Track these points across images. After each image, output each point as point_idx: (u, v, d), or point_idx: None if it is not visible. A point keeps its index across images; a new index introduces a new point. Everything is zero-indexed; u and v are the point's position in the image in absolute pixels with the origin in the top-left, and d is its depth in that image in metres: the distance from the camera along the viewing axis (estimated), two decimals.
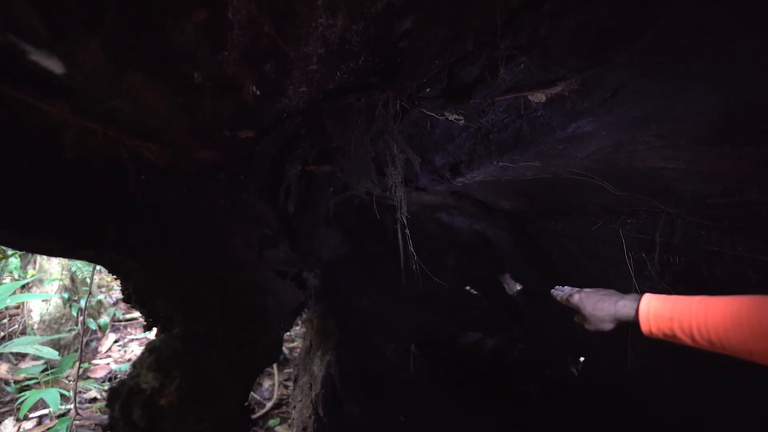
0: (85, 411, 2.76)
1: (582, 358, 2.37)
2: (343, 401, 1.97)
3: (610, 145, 1.23)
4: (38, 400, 2.50)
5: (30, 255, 3.60)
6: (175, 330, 0.92)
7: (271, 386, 3.09)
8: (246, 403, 1.06)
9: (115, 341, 3.72)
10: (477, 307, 3.14)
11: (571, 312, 1.11)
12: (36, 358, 2.99)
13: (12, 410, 2.66)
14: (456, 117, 1.23)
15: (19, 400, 2.51)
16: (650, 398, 1.84)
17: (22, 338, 2.93)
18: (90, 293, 3.01)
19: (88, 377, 3.13)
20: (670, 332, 0.82)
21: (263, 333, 1.31)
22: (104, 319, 3.81)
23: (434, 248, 3.08)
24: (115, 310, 3.99)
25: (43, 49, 0.50)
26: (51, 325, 3.38)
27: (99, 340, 3.68)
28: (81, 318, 3.14)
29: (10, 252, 3.40)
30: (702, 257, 1.34)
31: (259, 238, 1.40)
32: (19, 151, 0.65)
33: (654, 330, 0.85)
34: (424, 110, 1.18)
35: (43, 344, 2.74)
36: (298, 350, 3.26)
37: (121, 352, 3.56)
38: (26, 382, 2.85)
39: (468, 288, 3.27)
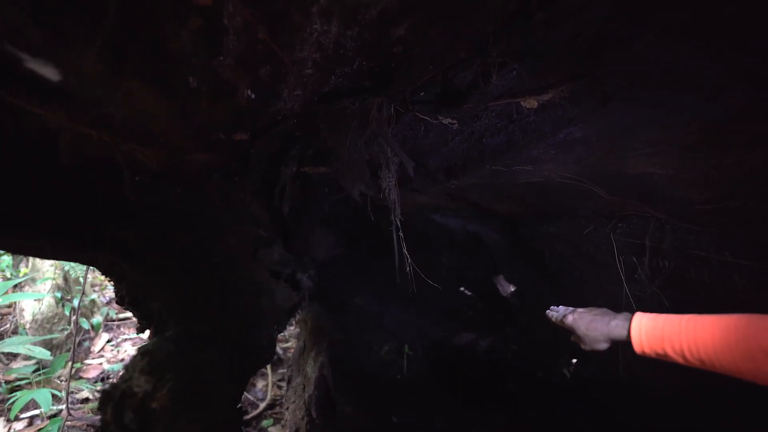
0: (77, 411, 2.74)
1: (574, 360, 2.40)
2: (336, 402, 1.98)
3: (601, 150, 1.25)
4: (29, 401, 2.48)
5: None
6: (168, 332, 0.92)
7: (264, 387, 3.08)
8: (239, 404, 1.06)
9: (108, 341, 3.69)
10: (471, 308, 3.16)
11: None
12: (28, 358, 2.96)
13: (3, 411, 2.64)
14: (450, 121, 1.24)
15: (10, 401, 2.48)
16: (640, 400, 1.86)
17: (14, 338, 2.90)
18: (83, 292, 2.99)
19: (81, 377, 3.11)
20: (662, 352, 0.83)
21: (257, 334, 1.31)
22: (97, 318, 3.79)
23: (429, 249, 3.09)
24: (109, 309, 3.96)
25: (39, 58, 0.51)
26: (43, 324, 3.36)
27: (92, 339, 3.66)
28: (74, 317, 3.12)
29: (2, 251, 3.37)
30: (690, 262, 1.36)
31: (254, 239, 1.41)
32: (16, 155, 0.66)
33: (647, 350, 0.86)
34: (419, 114, 1.19)
35: (35, 344, 2.72)
36: (293, 351, 3.27)
37: (114, 352, 3.54)
38: (17, 383, 2.82)
39: (463, 289, 3.29)
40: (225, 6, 0.61)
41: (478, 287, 3.22)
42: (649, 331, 0.86)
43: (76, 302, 3.24)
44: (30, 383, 2.80)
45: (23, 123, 0.60)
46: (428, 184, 1.70)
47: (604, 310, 1.03)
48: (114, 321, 3.97)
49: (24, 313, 3.36)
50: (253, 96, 0.86)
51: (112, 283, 1.16)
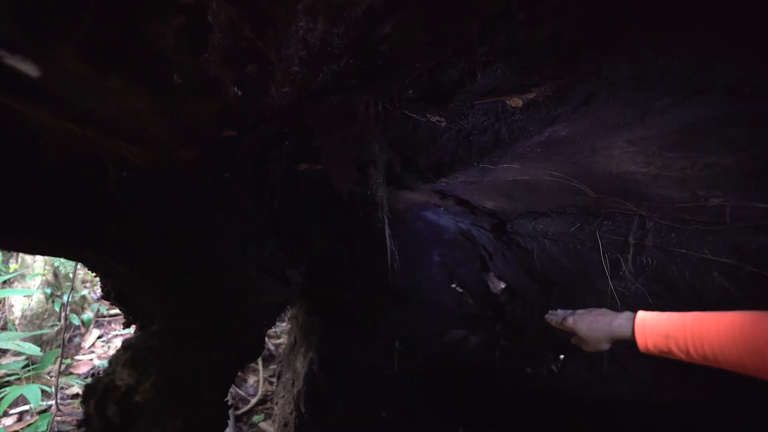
0: (67, 407, 2.74)
1: (562, 356, 2.43)
2: (325, 397, 1.99)
3: (586, 149, 1.27)
4: (19, 396, 2.47)
5: None
6: (153, 327, 0.93)
7: (256, 382, 3.10)
8: (225, 399, 1.07)
9: (99, 337, 3.68)
10: (462, 304, 3.18)
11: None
12: (17, 353, 2.95)
13: None
14: (438, 119, 1.25)
15: None
16: (630, 399, 1.90)
17: (3, 334, 2.88)
18: (73, 288, 2.97)
19: (71, 373, 3.10)
20: (666, 349, 0.85)
21: (244, 329, 1.32)
22: (88, 314, 3.77)
23: (420, 245, 3.11)
24: (99, 305, 3.94)
25: (18, 54, 0.51)
26: (33, 320, 3.34)
27: (82, 335, 3.64)
28: (64, 313, 3.10)
29: None
30: (672, 259, 1.39)
31: (243, 236, 1.41)
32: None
33: (651, 347, 0.88)
34: (407, 112, 1.21)
35: (24, 340, 2.70)
36: (284, 346, 3.28)
37: (105, 348, 3.53)
38: (7, 378, 2.81)
39: (453, 285, 3.32)
40: (209, 3, 0.62)
41: (469, 283, 3.25)
42: (653, 329, 0.87)
43: (66, 298, 3.23)
44: (19, 379, 2.79)
45: (3, 119, 0.60)
46: (418, 181, 1.71)
47: (604, 310, 1.03)
48: (105, 317, 3.95)
49: (13, 309, 3.34)
50: (239, 93, 0.86)
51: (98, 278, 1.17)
